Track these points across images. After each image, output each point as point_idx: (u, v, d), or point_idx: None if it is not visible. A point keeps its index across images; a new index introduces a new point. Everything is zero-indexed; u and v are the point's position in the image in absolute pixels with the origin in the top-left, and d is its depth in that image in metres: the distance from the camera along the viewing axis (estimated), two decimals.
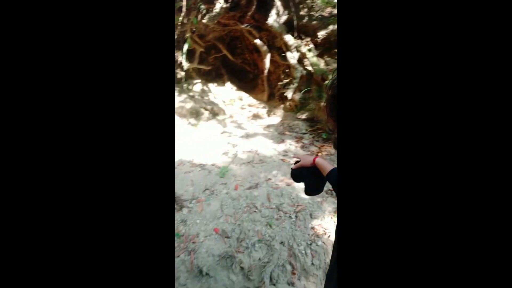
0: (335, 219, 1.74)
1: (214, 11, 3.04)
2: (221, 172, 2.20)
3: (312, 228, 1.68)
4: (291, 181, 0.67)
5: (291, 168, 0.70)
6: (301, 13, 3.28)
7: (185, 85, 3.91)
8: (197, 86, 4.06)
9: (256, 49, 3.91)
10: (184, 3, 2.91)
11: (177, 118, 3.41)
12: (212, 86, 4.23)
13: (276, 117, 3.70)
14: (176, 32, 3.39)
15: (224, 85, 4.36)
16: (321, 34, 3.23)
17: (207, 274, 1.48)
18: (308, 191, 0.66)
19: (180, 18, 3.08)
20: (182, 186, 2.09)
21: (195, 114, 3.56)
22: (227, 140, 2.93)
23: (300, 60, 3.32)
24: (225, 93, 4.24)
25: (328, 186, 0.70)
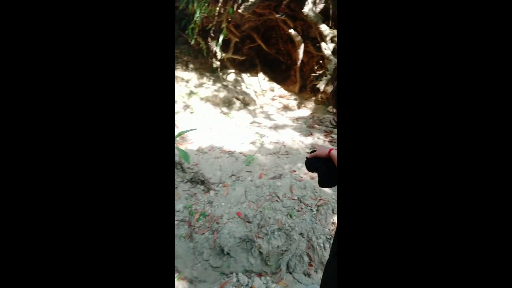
0: None
1: (250, 0, 2.99)
2: (247, 160, 2.23)
3: (333, 223, 1.64)
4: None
5: (306, 157, 0.68)
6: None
7: (219, 75, 3.98)
8: (231, 75, 4.10)
9: (290, 39, 3.79)
10: None
11: (210, 106, 3.52)
12: (245, 76, 4.24)
13: (307, 110, 3.59)
14: (213, 23, 3.43)
15: (257, 76, 4.34)
16: None
17: (228, 253, 1.56)
18: (321, 183, 0.64)
19: (217, 9, 3.10)
20: (211, 170, 2.18)
21: (228, 103, 3.63)
22: (256, 130, 2.95)
23: (335, 51, 3.13)
24: (257, 84, 4.22)
25: None
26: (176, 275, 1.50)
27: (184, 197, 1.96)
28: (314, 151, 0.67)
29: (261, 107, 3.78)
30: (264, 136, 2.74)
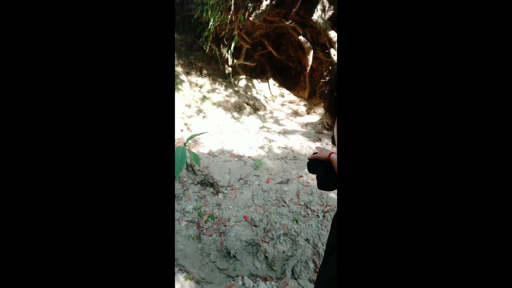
0: None
1: (261, 8, 3.01)
2: (255, 164, 2.23)
3: None
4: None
5: (308, 158, 0.67)
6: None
7: (231, 80, 4.03)
8: (242, 81, 4.14)
9: (300, 46, 3.77)
10: (232, 1, 2.96)
11: (222, 111, 3.56)
12: (256, 82, 4.26)
13: (316, 115, 3.55)
14: (226, 30, 3.49)
15: (267, 81, 4.35)
16: None
17: (234, 256, 1.56)
18: (319, 185, 0.63)
19: (229, 17, 3.15)
20: (220, 173, 2.20)
21: (239, 108, 3.66)
22: (265, 135, 2.95)
23: None
24: (267, 89, 4.23)
25: None
26: (184, 275, 1.52)
27: (194, 198, 1.99)
28: (317, 153, 0.66)
29: (271, 112, 3.78)
30: (272, 141, 2.74)
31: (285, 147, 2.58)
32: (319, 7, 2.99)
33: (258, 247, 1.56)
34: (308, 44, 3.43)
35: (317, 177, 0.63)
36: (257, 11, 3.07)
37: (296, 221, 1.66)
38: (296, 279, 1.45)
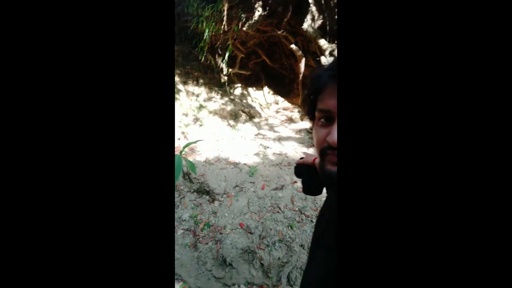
0: None
1: (253, 18, 3.06)
2: (250, 171, 2.22)
3: None
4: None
5: (295, 163, 0.67)
6: (336, 17, 3.07)
7: (227, 89, 4.05)
8: (238, 90, 4.16)
9: (292, 54, 3.82)
10: (225, 12, 3.00)
11: (218, 119, 3.57)
12: (251, 90, 4.28)
13: (309, 122, 3.57)
14: (220, 40, 3.52)
15: (262, 89, 4.38)
16: None
17: (230, 264, 1.53)
18: (304, 190, 0.63)
19: (223, 27, 3.18)
20: (216, 181, 2.18)
21: (234, 116, 3.67)
22: (260, 142, 2.95)
23: None
24: (262, 97, 4.25)
25: None
26: (180, 284, 1.49)
27: (190, 206, 1.97)
28: (303, 158, 0.66)
29: (266, 119, 3.79)
30: (268, 147, 2.73)
31: (279, 153, 2.58)
32: (308, 16, 3.04)
33: (254, 255, 1.54)
34: (300, 52, 3.47)
35: (302, 182, 0.63)
36: (250, 22, 3.11)
37: (291, 227, 1.65)
38: (291, 286, 1.43)
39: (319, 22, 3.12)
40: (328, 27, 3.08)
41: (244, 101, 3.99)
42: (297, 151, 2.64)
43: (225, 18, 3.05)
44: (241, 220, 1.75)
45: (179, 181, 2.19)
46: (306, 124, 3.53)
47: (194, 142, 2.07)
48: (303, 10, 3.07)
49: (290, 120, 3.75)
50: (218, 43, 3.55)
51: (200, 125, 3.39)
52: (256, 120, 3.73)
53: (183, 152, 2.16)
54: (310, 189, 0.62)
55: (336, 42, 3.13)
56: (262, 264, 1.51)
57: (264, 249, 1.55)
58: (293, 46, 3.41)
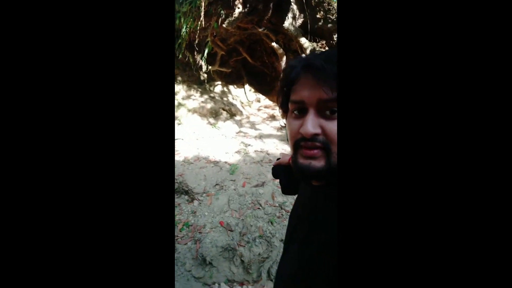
0: None
1: (233, 15, 3.07)
2: (231, 169, 2.23)
3: None
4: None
5: (272, 165, 0.69)
6: (318, 16, 3.18)
7: (206, 86, 4.02)
8: (218, 87, 4.14)
9: (274, 52, 3.88)
10: (202, 8, 2.98)
11: (197, 117, 3.52)
12: (232, 88, 4.29)
13: (282, 115, 3.65)
14: (200, 37, 3.49)
15: (243, 87, 4.40)
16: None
17: (210, 263, 1.53)
18: (282, 190, 0.65)
19: (199, 23, 3.16)
20: (196, 180, 2.16)
21: (215, 114, 3.65)
22: (241, 139, 2.96)
23: None
24: (243, 95, 4.27)
25: None
26: None
27: None
28: (280, 158, 0.68)
29: (247, 117, 3.81)
30: (249, 145, 2.76)
31: (261, 151, 2.61)
32: (289, 15, 3.11)
33: (234, 252, 1.55)
34: (281, 50, 3.54)
35: (279, 182, 0.66)
36: (230, 18, 3.12)
37: (271, 223, 1.68)
38: (272, 280, 1.46)
39: (300, 21, 3.21)
40: (309, 26, 3.19)
41: (225, 99, 3.98)
42: (278, 148, 2.69)
43: (202, 14, 3.03)
44: (221, 218, 1.75)
45: None
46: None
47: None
48: (284, 9, 3.15)
49: (272, 117, 3.81)
50: (197, 39, 3.51)
51: (179, 124, 3.33)
52: (237, 118, 3.73)
53: None
54: (288, 188, 0.64)
55: (316, 40, 3.24)
56: (242, 261, 1.52)
57: (244, 246, 1.57)
58: (274, 44, 3.47)
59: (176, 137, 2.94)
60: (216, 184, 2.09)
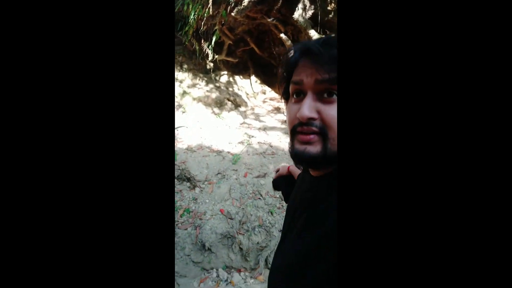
0: None
1: (242, 4, 3.04)
2: (233, 159, 2.26)
3: None
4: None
5: (273, 178, 0.70)
6: (328, 8, 3.13)
7: (212, 76, 4.01)
8: (224, 77, 4.14)
9: (282, 43, 3.84)
10: None
11: (202, 106, 3.54)
12: (238, 78, 4.27)
13: (284, 103, 3.64)
14: (208, 25, 3.47)
15: (249, 78, 4.38)
16: None
17: (209, 249, 1.57)
18: (285, 199, 0.66)
19: (211, 11, 3.13)
20: (198, 168, 2.20)
21: (219, 104, 3.65)
22: (245, 130, 2.98)
23: None
24: (249, 86, 4.26)
25: None
26: None
27: None
28: (278, 170, 0.69)
29: (252, 108, 3.82)
30: (252, 136, 2.77)
31: (264, 143, 2.63)
32: (300, 6, 3.07)
33: (233, 239, 1.59)
34: (290, 42, 3.50)
35: (282, 194, 0.67)
36: (239, 7, 3.08)
37: (271, 213, 1.71)
38: (269, 268, 1.50)
39: (310, 13, 3.16)
40: (319, 18, 3.14)
41: (230, 89, 3.97)
42: (281, 140, 2.70)
43: (211, 1, 3.01)
44: (222, 206, 1.78)
45: None
46: None
47: (176, 128, 2.07)
48: None
49: (277, 110, 3.80)
50: (205, 27, 3.49)
51: (183, 112, 3.35)
52: (242, 109, 3.74)
53: None
54: (288, 197, 0.66)
55: (326, 33, 3.20)
56: (241, 249, 1.57)
57: (243, 234, 1.61)
58: (283, 35, 3.44)
59: (180, 125, 2.96)
60: (218, 173, 2.12)
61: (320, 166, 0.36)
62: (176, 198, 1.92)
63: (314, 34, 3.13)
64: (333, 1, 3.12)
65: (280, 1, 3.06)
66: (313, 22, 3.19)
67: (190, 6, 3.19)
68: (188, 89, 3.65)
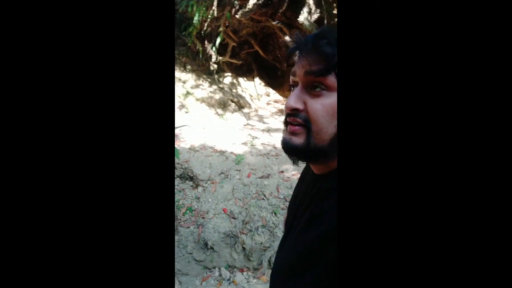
0: None
1: (247, 7, 3.09)
2: (237, 159, 2.27)
3: None
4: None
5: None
6: (334, 11, 3.18)
7: (216, 77, 4.05)
8: (228, 79, 4.18)
9: (287, 46, 3.89)
10: None
11: (205, 107, 3.57)
12: (242, 80, 4.31)
13: None
14: (212, 26, 3.52)
15: (253, 80, 4.42)
16: None
17: (211, 248, 1.58)
18: None
19: (215, 13, 3.19)
20: (201, 167, 2.21)
21: (223, 105, 3.68)
22: (249, 132, 3.00)
23: None
24: (253, 88, 4.30)
25: None
26: None
27: None
28: None
29: (256, 110, 3.84)
30: (256, 138, 2.79)
31: (267, 144, 2.64)
32: (305, 9, 3.12)
33: (236, 239, 1.60)
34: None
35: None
36: (243, 9, 3.14)
37: (275, 214, 1.72)
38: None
39: (315, 16, 3.21)
40: (325, 21, 3.19)
41: (234, 90, 4.01)
42: None
43: (215, 3, 3.06)
44: (225, 206, 1.79)
45: None
46: None
47: (178, 127, 2.08)
48: (300, 3, 3.15)
49: (281, 112, 3.83)
50: (209, 29, 3.54)
51: (186, 112, 3.38)
52: (246, 110, 3.77)
53: None
54: None
55: None
56: (244, 248, 1.57)
57: (246, 234, 1.61)
58: (287, 38, 3.48)
59: (182, 124, 2.99)
60: (221, 173, 2.13)
61: (304, 158, 0.37)
62: (179, 197, 1.93)
63: None
64: None
65: (285, 4, 3.11)
66: (319, 25, 3.23)
67: (195, 8, 3.25)
68: (192, 90, 3.68)
